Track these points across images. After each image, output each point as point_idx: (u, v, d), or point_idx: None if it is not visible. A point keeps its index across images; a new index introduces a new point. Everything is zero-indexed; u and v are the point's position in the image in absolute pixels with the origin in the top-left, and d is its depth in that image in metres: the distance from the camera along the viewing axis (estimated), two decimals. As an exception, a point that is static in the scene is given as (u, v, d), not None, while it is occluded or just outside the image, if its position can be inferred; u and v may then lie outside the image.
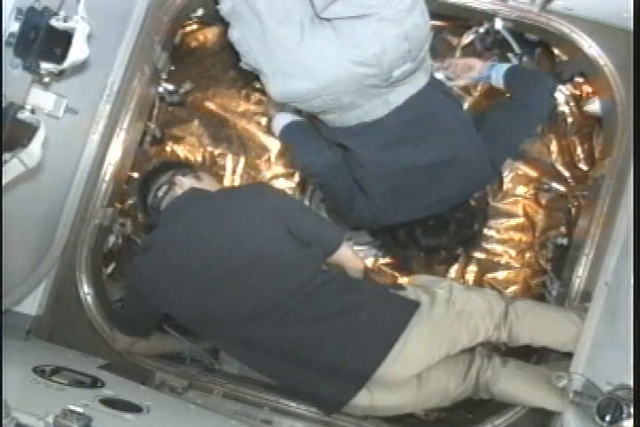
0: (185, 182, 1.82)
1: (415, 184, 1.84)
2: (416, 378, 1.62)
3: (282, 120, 2.00)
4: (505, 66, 1.95)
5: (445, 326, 1.64)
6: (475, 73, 1.99)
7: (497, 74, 1.94)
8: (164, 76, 2.22)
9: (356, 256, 1.81)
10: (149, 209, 1.85)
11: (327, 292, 1.61)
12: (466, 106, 2.33)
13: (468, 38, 2.24)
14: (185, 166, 1.95)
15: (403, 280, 2.35)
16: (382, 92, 1.67)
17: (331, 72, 1.58)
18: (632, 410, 1.16)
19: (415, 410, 1.82)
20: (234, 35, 1.69)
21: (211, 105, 2.39)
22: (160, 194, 1.81)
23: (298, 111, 2.00)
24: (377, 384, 1.59)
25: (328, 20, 1.56)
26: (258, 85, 2.36)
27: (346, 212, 2.02)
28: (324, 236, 1.73)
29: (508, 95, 1.99)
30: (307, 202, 2.39)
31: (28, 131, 1.33)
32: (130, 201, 2.29)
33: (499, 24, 2.03)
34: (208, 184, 1.87)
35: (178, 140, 2.39)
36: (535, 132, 2.25)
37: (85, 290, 1.98)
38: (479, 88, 2.33)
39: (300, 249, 1.65)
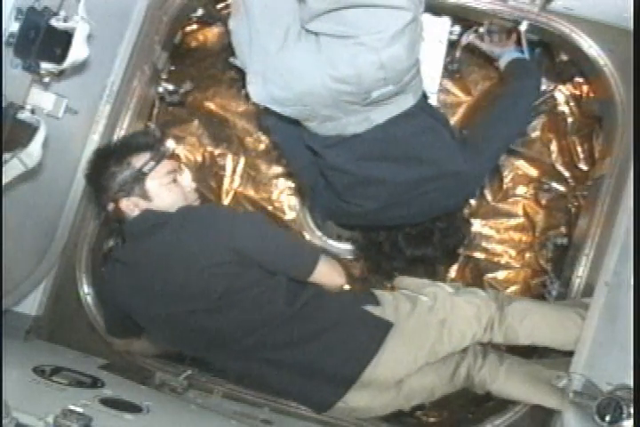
0: (129, 203, 1.61)
1: (391, 194, 1.82)
2: (395, 383, 1.61)
3: None
4: (515, 54, 2.02)
5: (423, 337, 1.61)
6: (499, 49, 2.08)
7: (506, 58, 2.03)
8: (164, 76, 2.22)
9: (333, 273, 1.68)
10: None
11: (297, 320, 1.57)
12: (463, 108, 2.33)
13: (468, 38, 2.24)
14: (130, 160, 1.62)
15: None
16: (362, 109, 1.65)
17: (306, 84, 1.57)
18: (632, 410, 1.16)
19: (397, 409, 1.75)
20: (230, 24, 1.69)
21: (211, 105, 2.39)
22: (109, 209, 1.65)
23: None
24: (352, 392, 1.58)
25: (316, 34, 1.55)
26: (258, 85, 2.36)
27: (311, 200, 2.03)
28: (293, 266, 1.62)
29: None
30: (307, 202, 2.39)
31: (28, 131, 1.33)
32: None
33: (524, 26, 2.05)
34: (157, 202, 1.63)
35: (178, 140, 2.39)
36: (522, 132, 2.25)
37: (85, 290, 1.98)
38: (479, 87, 2.34)
39: (264, 281, 1.57)
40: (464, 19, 2.12)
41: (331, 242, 2.36)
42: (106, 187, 1.63)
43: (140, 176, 1.61)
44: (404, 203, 1.84)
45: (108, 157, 1.65)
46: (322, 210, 2.01)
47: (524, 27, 2.02)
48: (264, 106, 1.73)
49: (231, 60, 1.75)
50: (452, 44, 2.20)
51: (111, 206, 1.65)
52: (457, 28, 2.17)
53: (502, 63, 2.06)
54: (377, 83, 1.55)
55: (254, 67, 1.64)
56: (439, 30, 2.12)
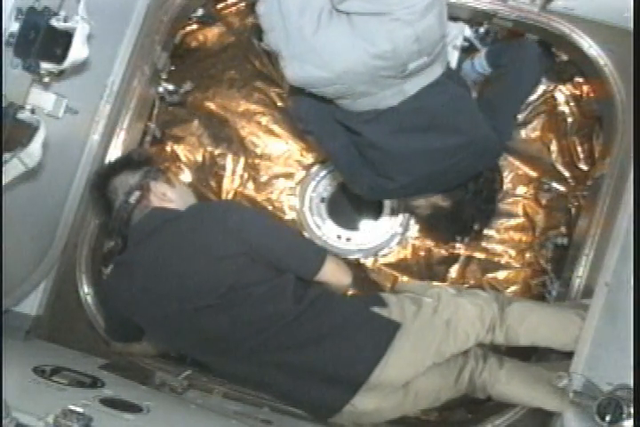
0: (158, 188, 1.72)
1: (429, 165, 1.84)
2: (403, 385, 1.61)
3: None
4: (482, 51, 2.03)
5: (430, 338, 1.61)
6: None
7: (480, 62, 2.02)
8: (164, 76, 2.22)
9: (340, 271, 1.70)
10: (116, 215, 1.70)
11: (304, 319, 1.56)
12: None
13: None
14: (149, 164, 1.81)
15: (403, 279, 2.35)
16: (397, 82, 1.69)
17: (345, 63, 1.60)
18: (632, 410, 1.16)
19: (404, 414, 1.76)
20: (260, 9, 1.69)
21: (211, 105, 2.39)
22: (132, 201, 1.68)
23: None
24: (361, 394, 1.58)
25: (347, 13, 1.59)
26: (258, 85, 2.37)
27: (347, 182, 2.03)
28: (300, 264, 1.64)
29: None
30: (307, 202, 2.39)
31: (28, 131, 1.33)
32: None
33: (467, 32, 2.11)
34: (179, 189, 1.78)
35: (178, 140, 2.39)
36: (532, 93, 2.22)
37: (85, 290, 1.99)
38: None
39: (271, 279, 1.58)
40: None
41: (331, 242, 2.37)
42: (130, 176, 1.72)
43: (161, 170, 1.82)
44: (441, 172, 1.86)
45: (128, 160, 1.83)
46: (363, 189, 1.99)
47: (467, 32, 2.12)
48: (292, 98, 1.85)
49: (262, 44, 1.77)
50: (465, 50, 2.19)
51: (136, 195, 1.68)
52: (471, 34, 2.16)
53: (481, 67, 2.05)
54: (412, 55, 1.60)
55: (290, 50, 1.65)
56: (454, 35, 2.13)
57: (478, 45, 2.15)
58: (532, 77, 1.96)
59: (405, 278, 2.35)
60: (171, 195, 1.73)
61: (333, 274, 1.67)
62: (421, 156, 1.81)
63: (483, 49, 2.10)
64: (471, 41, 2.15)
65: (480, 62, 2.04)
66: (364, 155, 1.90)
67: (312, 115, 1.94)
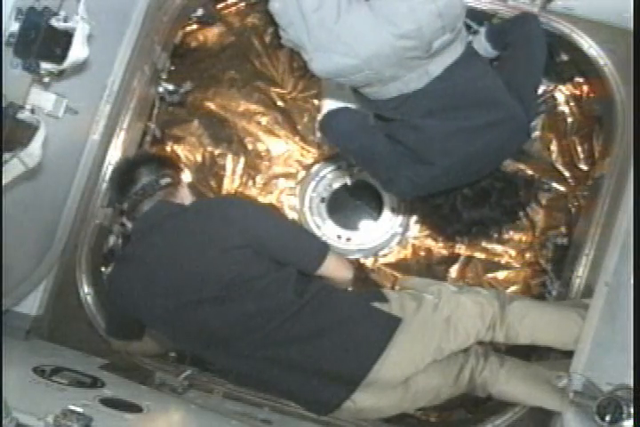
0: (182, 191, 1.75)
1: (465, 145, 1.81)
2: (402, 382, 1.61)
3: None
4: (482, 31, 1.99)
5: (430, 334, 1.62)
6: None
7: (479, 43, 1.98)
8: (164, 76, 2.22)
9: (341, 266, 1.70)
10: (140, 192, 1.70)
11: (305, 313, 1.57)
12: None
13: (467, 38, 2.24)
14: (166, 167, 1.78)
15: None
16: (422, 63, 1.69)
17: (371, 47, 1.60)
18: (632, 410, 1.16)
19: (403, 411, 1.76)
20: (275, 6, 1.69)
21: (211, 105, 2.39)
22: (162, 183, 1.71)
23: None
24: (360, 390, 1.58)
25: None
26: (258, 85, 2.37)
27: (385, 182, 1.97)
28: (302, 258, 1.64)
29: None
30: (307, 202, 2.39)
31: (28, 131, 1.33)
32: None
33: None
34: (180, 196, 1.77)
35: (178, 140, 2.39)
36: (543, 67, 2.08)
37: (85, 290, 1.99)
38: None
39: (273, 273, 1.58)
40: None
41: (331, 242, 2.36)
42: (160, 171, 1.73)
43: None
44: (477, 154, 1.82)
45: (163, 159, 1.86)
46: (403, 186, 1.90)
47: None
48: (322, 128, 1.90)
49: (283, 42, 1.77)
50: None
51: (167, 181, 1.70)
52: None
53: (485, 50, 1.99)
54: (436, 32, 1.60)
55: (313, 42, 1.65)
56: None
57: (475, 26, 2.09)
58: (542, 50, 1.90)
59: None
60: (183, 197, 1.75)
61: (335, 268, 1.67)
62: (457, 135, 1.78)
63: (481, 29, 2.05)
64: (467, 23, 2.06)
65: (485, 48, 1.98)
66: (402, 142, 1.85)
67: (345, 131, 1.92)
